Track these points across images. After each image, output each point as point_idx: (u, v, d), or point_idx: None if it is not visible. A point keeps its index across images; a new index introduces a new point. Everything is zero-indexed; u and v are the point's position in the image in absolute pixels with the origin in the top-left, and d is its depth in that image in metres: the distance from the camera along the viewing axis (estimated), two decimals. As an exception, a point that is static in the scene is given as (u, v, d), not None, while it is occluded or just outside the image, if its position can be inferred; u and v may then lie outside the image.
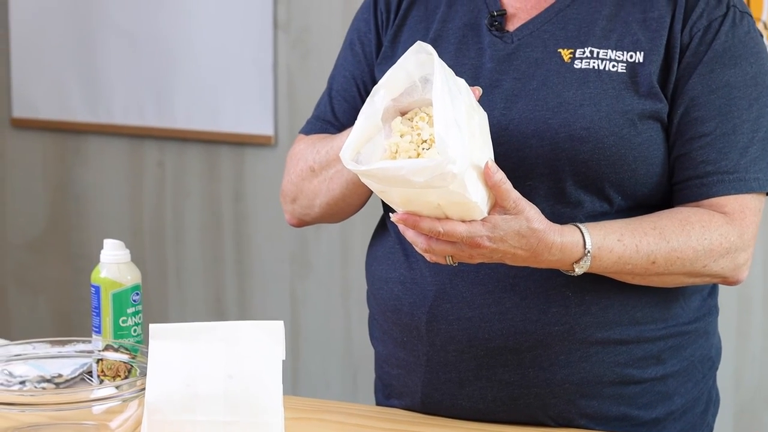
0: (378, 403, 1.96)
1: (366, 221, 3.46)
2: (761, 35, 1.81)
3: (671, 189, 1.78)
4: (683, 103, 1.75)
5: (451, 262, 1.64)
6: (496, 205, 1.61)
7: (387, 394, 1.93)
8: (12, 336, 3.82)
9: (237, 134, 3.52)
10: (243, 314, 3.61)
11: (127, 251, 1.88)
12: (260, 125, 3.48)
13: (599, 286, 1.75)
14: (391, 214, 1.61)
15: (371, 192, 1.85)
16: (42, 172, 3.79)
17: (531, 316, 1.75)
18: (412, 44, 1.82)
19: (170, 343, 1.58)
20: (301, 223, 1.95)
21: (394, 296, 1.83)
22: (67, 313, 3.81)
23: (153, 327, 1.58)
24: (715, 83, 1.75)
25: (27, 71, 3.73)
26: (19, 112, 3.76)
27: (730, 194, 1.74)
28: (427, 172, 1.50)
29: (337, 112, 1.92)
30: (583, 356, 1.76)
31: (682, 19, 1.75)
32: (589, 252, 1.67)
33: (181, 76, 3.55)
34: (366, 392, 3.44)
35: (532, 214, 1.63)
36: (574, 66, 1.75)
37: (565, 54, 1.76)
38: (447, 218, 1.57)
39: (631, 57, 1.75)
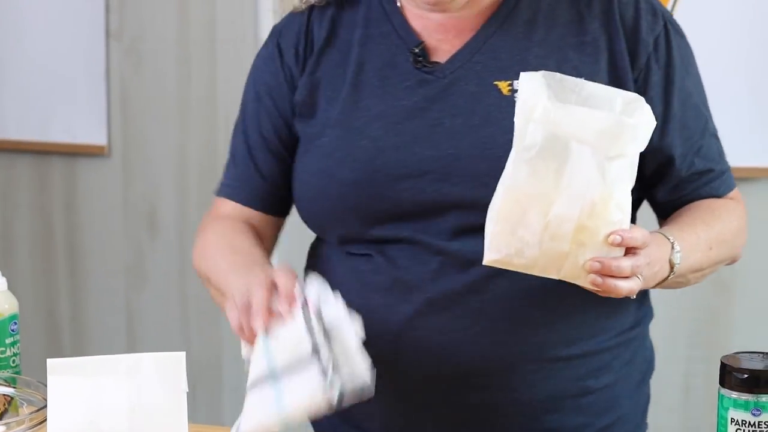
0: (317, 427, 1.88)
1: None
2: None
3: (676, 203, 1.83)
4: (675, 128, 1.77)
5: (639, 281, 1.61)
6: None
7: (342, 419, 1.82)
8: None
9: (69, 144, 3.43)
10: (77, 328, 3.53)
11: (4, 279, 1.82)
12: (93, 135, 3.40)
13: (563, 305, 1.74)
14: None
15: None
16: None
17: (500, 339, 1.72)
18: (333, 93, 1.78)
19: (69, 378, 1.54)
20: None
21: None
22: None
23: (51, 362, 1.55)
24: (683, 96, 1.78)
25: None
26: None
27: (732, 189, 1.84)
28: None
29: (260, 167, 1.86)
30: (549, 374, 1.75)
31: (625, 38, 1.74)
32: (674, 242, 1.69)
33: (9, 85, 3.44)
34: (205, 408, 3.40)
35: None
36: (515, 99, 1.66)
37: (503, 86, 1.72)
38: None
39: None
